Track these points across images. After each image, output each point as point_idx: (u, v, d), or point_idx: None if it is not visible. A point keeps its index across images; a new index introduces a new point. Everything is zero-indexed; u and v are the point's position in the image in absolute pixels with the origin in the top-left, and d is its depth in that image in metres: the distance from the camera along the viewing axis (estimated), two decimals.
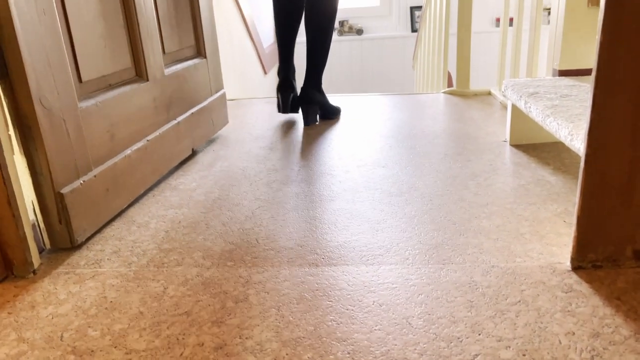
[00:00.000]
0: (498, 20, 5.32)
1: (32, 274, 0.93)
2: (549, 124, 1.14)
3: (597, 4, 1.43)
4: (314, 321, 0.76)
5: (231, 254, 0.97)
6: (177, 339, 0.74)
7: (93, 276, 0.92)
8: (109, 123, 1.12)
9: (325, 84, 5.54)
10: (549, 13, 5.02)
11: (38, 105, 0.90)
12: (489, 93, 2.26)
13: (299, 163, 1.47)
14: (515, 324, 0.73)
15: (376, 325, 0.74)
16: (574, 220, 0.85)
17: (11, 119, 0.89)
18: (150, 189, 1.33)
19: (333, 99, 2.30)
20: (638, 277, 0.83)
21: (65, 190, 0.97)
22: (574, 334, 0.71)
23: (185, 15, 1.55)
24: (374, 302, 0.80)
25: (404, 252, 0.95)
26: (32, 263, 0.93)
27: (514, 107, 1.51)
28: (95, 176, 1.05)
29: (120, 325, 0.77)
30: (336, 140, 1.68)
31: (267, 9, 4.91)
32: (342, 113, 2.06)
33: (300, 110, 1.99)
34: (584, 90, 1.33)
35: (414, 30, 5.48)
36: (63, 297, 0.86)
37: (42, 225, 0.97)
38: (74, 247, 1.02)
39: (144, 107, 1.27)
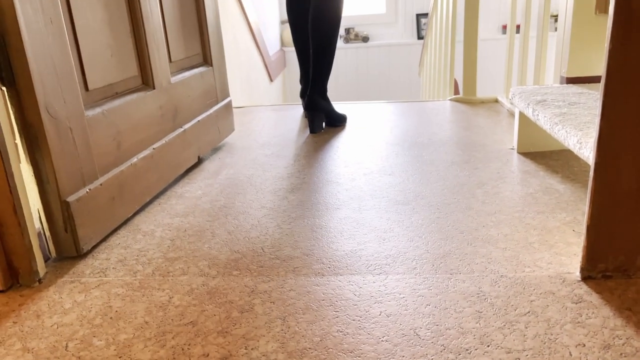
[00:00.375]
0: (505, 27, 5.31)
1: (37, 283, 0.92)
2: (558, 132, 1.13)
3: (605, 11, 1.42)
4: (320, 332, 0.75)
5: (237, 263, 0.96)
6: (182, 349, 0.73)
7: (98, 285, 0.91)
8: (115, 131, 1.12)
9: (331, 92, 5.54)
10: (556, 20, 5.00)
11: (45, 114, 0.90)
12: (496, 100, 2.26)
13: (304, 171, 1.47)
14: (524, 335, 0.72)
15: (383, 336, 0.73)
16: (583, 229, 0.84)
17: (18, 128, 0.90)
18: (156, 196, 1.33)
19: (339, 107, 2.30)
20: None
21: (71, 198, 0.96)
22: (584, 345, 0.69)
23: (192, 24, 1.55)
24: (381, 312, 0.79)
25: (411, 261, 0.94)
26: (37, 272, 0.93)
27: (521, 114, 1.51)
28: (101, 184, 1.05)
29: (126, 335, 0.77)
30: (342, 148, 1.68)
31: (273, 17, 4.93)
32: (348, 121, 2.06)
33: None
34: (592, 98, 1.31)
35: (420, 37, 5.49)
36: (68, 306, 0.85)
37: (47, 233, 0.97)
38: (80, 255, 1.02)
39: (150, 115, 1.27)
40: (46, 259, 0.99)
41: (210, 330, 0.77)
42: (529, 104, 1.34)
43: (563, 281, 0.85)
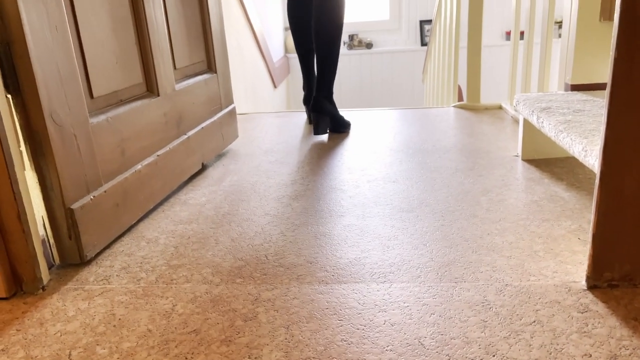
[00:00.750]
0: (508, 33, 5.32)
1: (41, 290, 0.92)
2: (562, 139, 1.13)
3: (609, 18, 1.42)
4: (324, 341, 0.75)
5: (240, 271, 0.96)
6: (186, 358, 0.73)
7: (102, 292, 0.91)
8: (120, 138, 1.12)
9: (335, 98, 5.55)
10: (560, 26, 5.00)
11: (49, 121, 0.91)
12: (500, 107, 2.25)
13: (308, 178, 1.47)
14: (530, 345, 0.71)
15: (388, 346, 0.73)
16: (589, 238, 0.83)
17: (22, 135, 0.90)
18: (160, 203, 1.33)
19: (342, 114, 2.30)
20: None
21: (75, 205, 0.97)
22: (590, 356, 0.69)
23: (196, 31, 1.56)
24: (385, 321, 0.79)
25: (415, 269, 0.93)
26: (41, 279, 0.93)
27: (525, 121, 1.50)
28: (105, 191, 1.05)
29: (129, 343, 0.77)
30: (346, 155, 1.67)
31: (277, 23, 4.94)
32: (352, 127, 2.06)
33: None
34: (597, 105, 1.31)
35: (423, 44, 5.49)
36: (72, 313, 0.85)
37: (51, 240, 0.97)
38: (84, 262, 1.02)
39: (154, 122, 1.27)
40: (50, 266, 0.99)
41: (214, 338, 0.77)
42: (533, 111, 1.34)
43: (569, 290, 0.84)
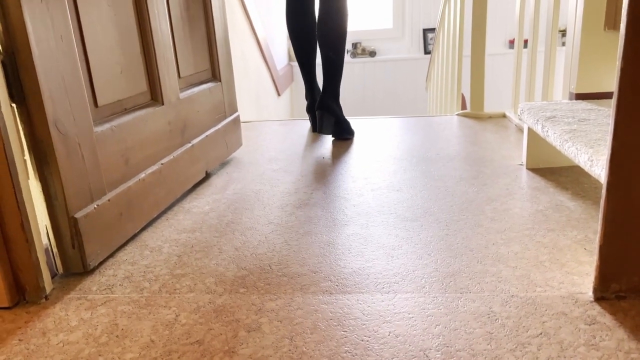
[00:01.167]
0: (512, 42, 5.32)
1: (44, 300, 0.92)
2: (568, 149, 1.12)
3: (614, 27, 1.42)
4: (328, 352, 0.74)
5: (244, 280, 0.96)
6: None
7: (105, 302, 0.91)
8: (124, 147, 1.12)
9: None
10: (564, 35, 5.00)
11: (54, 130, 0.91)
12: (504, 115, 2.25)
13: (312, 186, 1.46)
14: (537, 357, 0.70)
15: (392, 358, 0.72)
16: (595, 248, 0.82)
17: (27, 144, 0.90)
18: (164, 212, 1.32)
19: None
20: None
21: (79, 214, 0.96)
22: None
23: (201, 40, 1.56)
24: (389, 332, 0.78)
25: (420, 279, 0.93)
26: (44, 288, 0.92)
27: (530, 130, 1.50)
28: (109, 200, 1.05)
29: (131, 354, 0.76)
30: (349, 163, 1.67)
31: (280, 32, 4.96)
32: (355, 136, 2.05)
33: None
34: (602, 114, 1.31)
35: (427, 52, 5.50)
36: (74, 323, 0.85)
37: (55, 249, 0.97)
38: (87, 271, 1.01)
39: (158, 131, 1.27)
40: (53, 275, 0.99)
41: (217, 349, 0.76)
42: (538, 120, 1.34)
43: (575, 302, 0.83)
